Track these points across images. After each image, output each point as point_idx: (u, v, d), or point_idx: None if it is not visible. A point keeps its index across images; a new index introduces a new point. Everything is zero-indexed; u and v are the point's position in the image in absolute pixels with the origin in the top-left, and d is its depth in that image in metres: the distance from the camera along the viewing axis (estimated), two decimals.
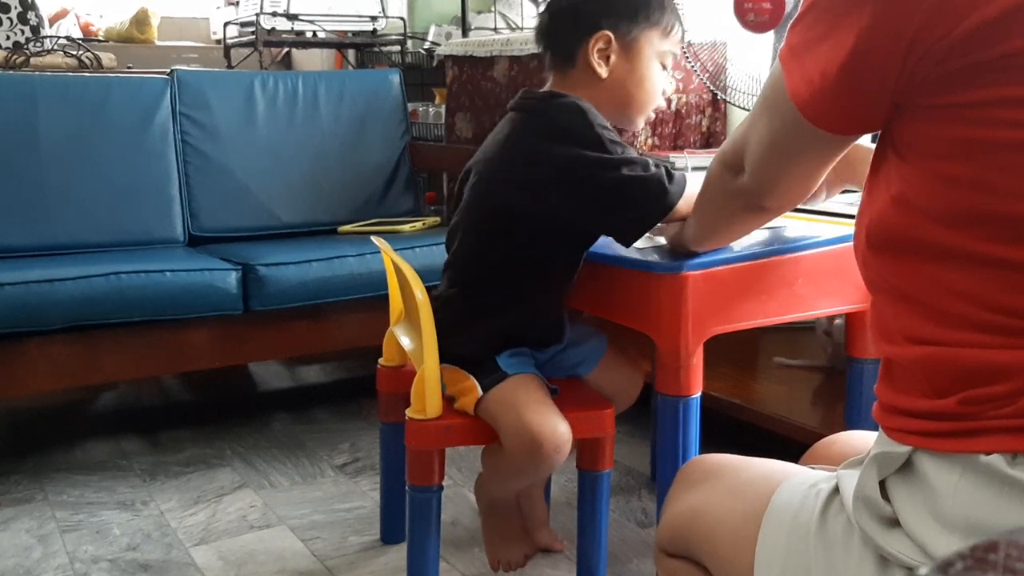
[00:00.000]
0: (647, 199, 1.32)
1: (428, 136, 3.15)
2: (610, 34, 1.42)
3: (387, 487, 1.86)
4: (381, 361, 1.76)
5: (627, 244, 1.37)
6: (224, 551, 1.85)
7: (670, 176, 1.33)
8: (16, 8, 3.26)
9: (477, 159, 1.51)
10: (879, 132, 0.84)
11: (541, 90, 1.48)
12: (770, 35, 1.72)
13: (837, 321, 2.14)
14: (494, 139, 1.48)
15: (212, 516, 2.00)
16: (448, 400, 1.48)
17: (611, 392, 1.60)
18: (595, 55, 1.43)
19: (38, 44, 3.30)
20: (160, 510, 2.03)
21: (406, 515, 1.54)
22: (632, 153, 1.36)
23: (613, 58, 1.43)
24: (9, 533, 1.94)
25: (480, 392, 1.43)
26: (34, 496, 2.11)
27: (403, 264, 1.46)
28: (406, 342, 1.58)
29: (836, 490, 0.87)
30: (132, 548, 1.87)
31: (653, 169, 1.33)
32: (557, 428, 1.40)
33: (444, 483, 1.53)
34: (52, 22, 3.80)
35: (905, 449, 0.80)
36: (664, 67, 1.47)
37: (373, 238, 1.73)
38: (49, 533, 1.93)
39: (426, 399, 1.43)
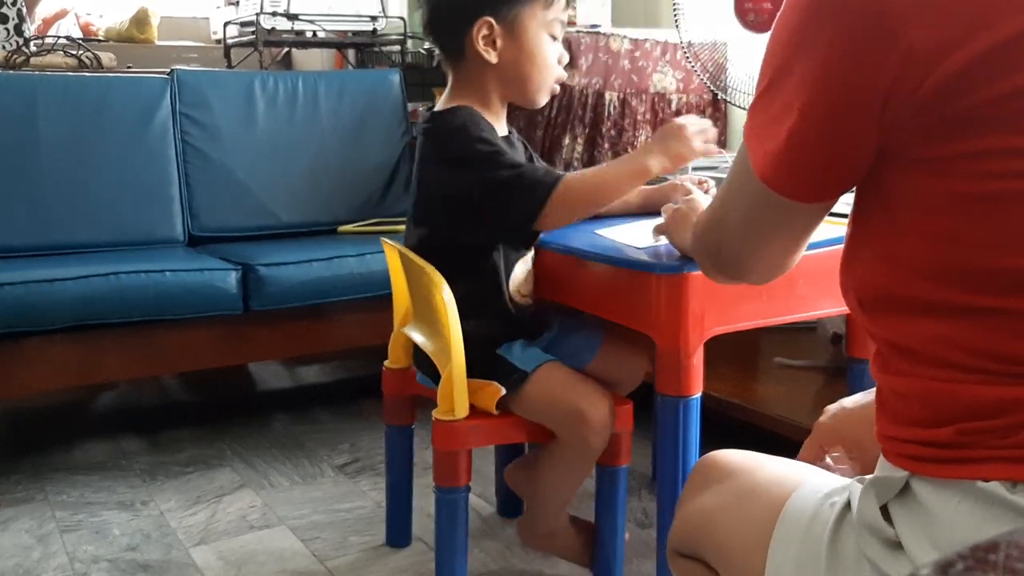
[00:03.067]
0: (518, 201, 1.40)
1: None
2: (491, 19, 1.43)
3: (393, 491, 1.85)
4: (387, 363, 1.75)
5: (519, 245, 1.47)
6: (224, 551, 1.85)
7: (549, 173, 1.41)
8: (13, 20, 3.28)
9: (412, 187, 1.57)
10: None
11: (434, 108, 1.51)
12: (769, 35, 1.72)
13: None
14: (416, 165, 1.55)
15: (212, 516, 2.00)
16: None
17: (616, 379, 1.62)
18: (480, 43, 1.44)
19: (38, 43, 3.30)
20: (160, 510, 2.03)
21: (434, 516, 1.54)
22: (509, 159, 1.41)
23: (499, 42, 1.44)
24: (9, 533, 1.93)
25: (503, 391, 1.46)
26: (34, 496, 2.11)
27: (426, 265, 1.45)
28: (422, 340, 1.57)
29: (849, 504, 0.86)
30: (132, 548, 1.87)
31: (526, 173, 1.39)
32: (599, 399, 1.46)
33: None
34: (52, 22, 3.79)
35: (903, 474, 0.79)
36: (554, 37, 1.46)
37: (383, 240, 1.72)
38: (49, 533, 1.93)
39: (454, 400, 1.44)
